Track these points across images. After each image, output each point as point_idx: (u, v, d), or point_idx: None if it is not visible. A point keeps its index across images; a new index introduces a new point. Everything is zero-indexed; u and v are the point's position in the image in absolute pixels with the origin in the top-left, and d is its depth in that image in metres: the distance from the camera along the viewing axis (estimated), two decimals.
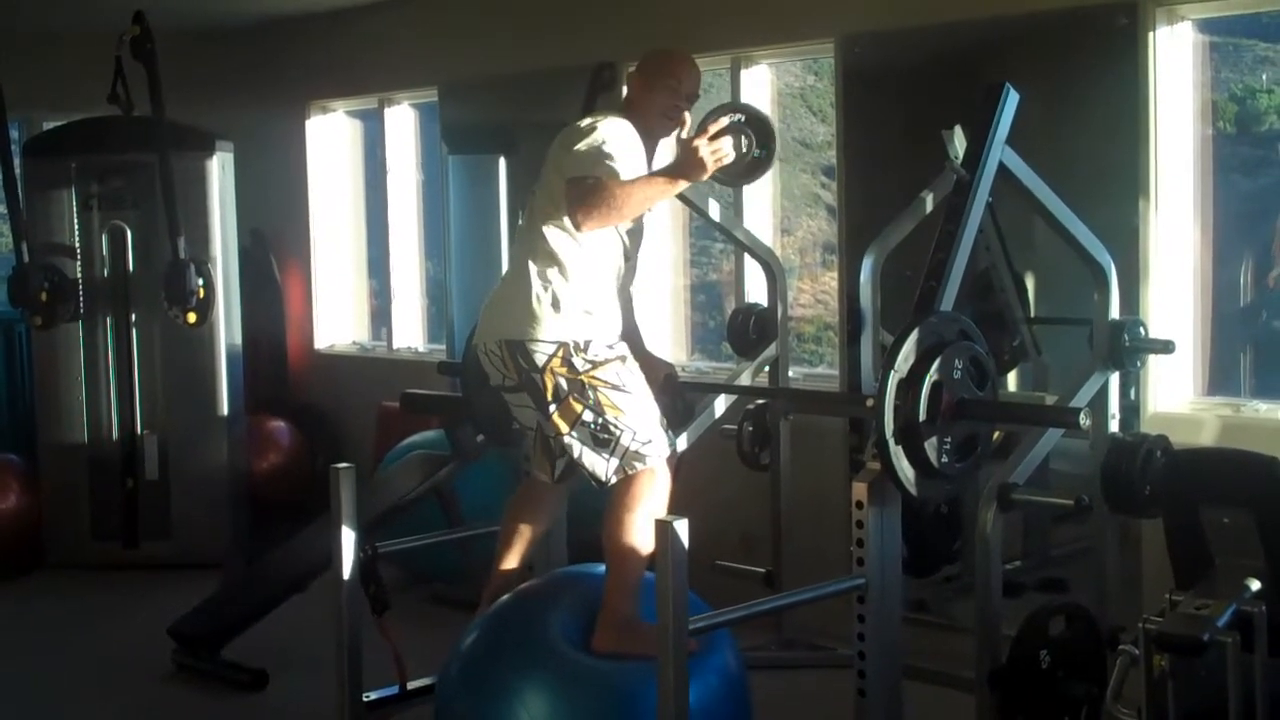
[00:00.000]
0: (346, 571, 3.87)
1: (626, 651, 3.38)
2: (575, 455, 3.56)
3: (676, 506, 3.53)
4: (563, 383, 3.51)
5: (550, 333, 3.51)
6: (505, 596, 3.70)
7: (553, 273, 3.55)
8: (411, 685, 4.05)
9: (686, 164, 3.52)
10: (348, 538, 3.87)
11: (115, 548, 6.38)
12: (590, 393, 3.50)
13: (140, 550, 6.39)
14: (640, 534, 3.46)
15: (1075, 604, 3.53)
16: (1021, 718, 3.35)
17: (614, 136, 3.55)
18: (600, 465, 3.54)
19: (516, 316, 3.54)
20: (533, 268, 3.57)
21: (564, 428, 3.53)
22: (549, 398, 3.52)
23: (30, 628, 5.64)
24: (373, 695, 3.98)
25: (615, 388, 3.53)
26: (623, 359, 3.58)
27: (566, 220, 3.53)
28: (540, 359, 3.51)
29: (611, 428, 3.51)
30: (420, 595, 5.58)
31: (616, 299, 3.68)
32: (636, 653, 3.31)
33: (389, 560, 4.25)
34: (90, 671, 5.05)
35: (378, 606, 3.94)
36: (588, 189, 3.43)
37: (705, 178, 3.59)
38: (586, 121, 3.63)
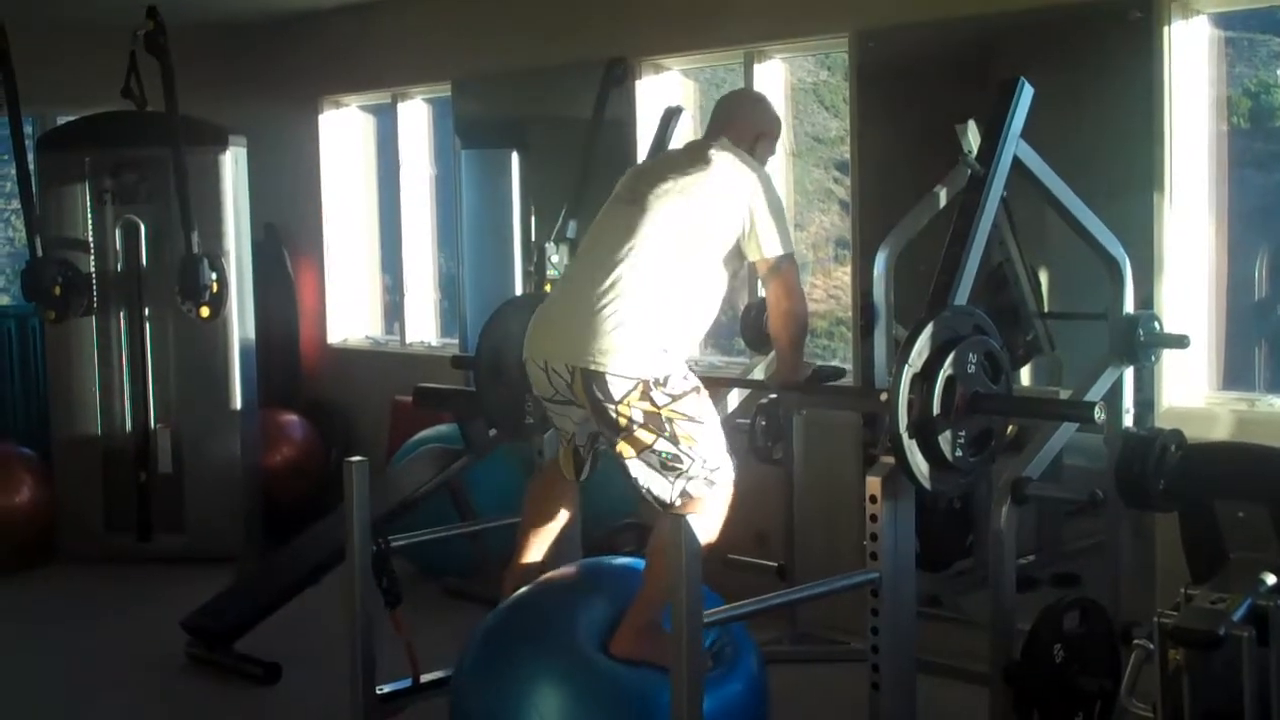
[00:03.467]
0: (359, 565, 3.87)
1: (643, 657, 3.37)
2: (638, 480, 3.51)
3: None
4: (638, 414, 3.44)
5: (632, 368, 3.43)
6: (526, 587, 3.71)
7: (650, 307, 3.49)
8: (424, 678, 4.05)
9: (799, 377, 3.86)
10: (360, 531, 3.87)
11: (128, 541, 6.41)
12: (668, 425, 3.45)
13: (153, 543, 6.41)
14: None
15: (1089, 599, 3.52)
16: (1035, 712, 3.35)
17: None
18: (665, 490, 3.49)
19: (597, 347, 3.44)
20: (631, 298, 3.48)
21: (630, 453, 3.48)
22: (620, 426, 3.46)
23: (43, 621, 5.65)
24: (386, 688, 3.98)
25: (692, 419, 3.47)
26: (698, 390, 3.53)
27: (699, 257, 3.57)
28: (618, 392, 3.44)
29: (684, 457, 3.47)
30: (433, 589, 5.59)
31: (698, 329, 3.69)
32: (651, 660, 3.31)
33: (401, 554, 4.25)
34: (103, 665, 5.06)
35: (390, 600, 3.94)
36: (802, 306, 3.74)
37: (794, 380, 3.89)
38: (765, 173, 3.74)
